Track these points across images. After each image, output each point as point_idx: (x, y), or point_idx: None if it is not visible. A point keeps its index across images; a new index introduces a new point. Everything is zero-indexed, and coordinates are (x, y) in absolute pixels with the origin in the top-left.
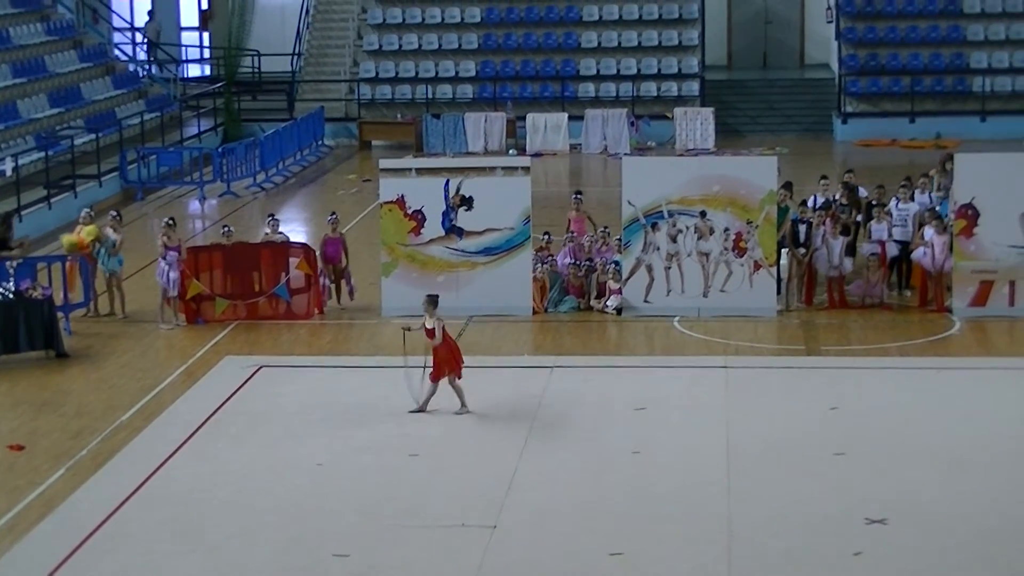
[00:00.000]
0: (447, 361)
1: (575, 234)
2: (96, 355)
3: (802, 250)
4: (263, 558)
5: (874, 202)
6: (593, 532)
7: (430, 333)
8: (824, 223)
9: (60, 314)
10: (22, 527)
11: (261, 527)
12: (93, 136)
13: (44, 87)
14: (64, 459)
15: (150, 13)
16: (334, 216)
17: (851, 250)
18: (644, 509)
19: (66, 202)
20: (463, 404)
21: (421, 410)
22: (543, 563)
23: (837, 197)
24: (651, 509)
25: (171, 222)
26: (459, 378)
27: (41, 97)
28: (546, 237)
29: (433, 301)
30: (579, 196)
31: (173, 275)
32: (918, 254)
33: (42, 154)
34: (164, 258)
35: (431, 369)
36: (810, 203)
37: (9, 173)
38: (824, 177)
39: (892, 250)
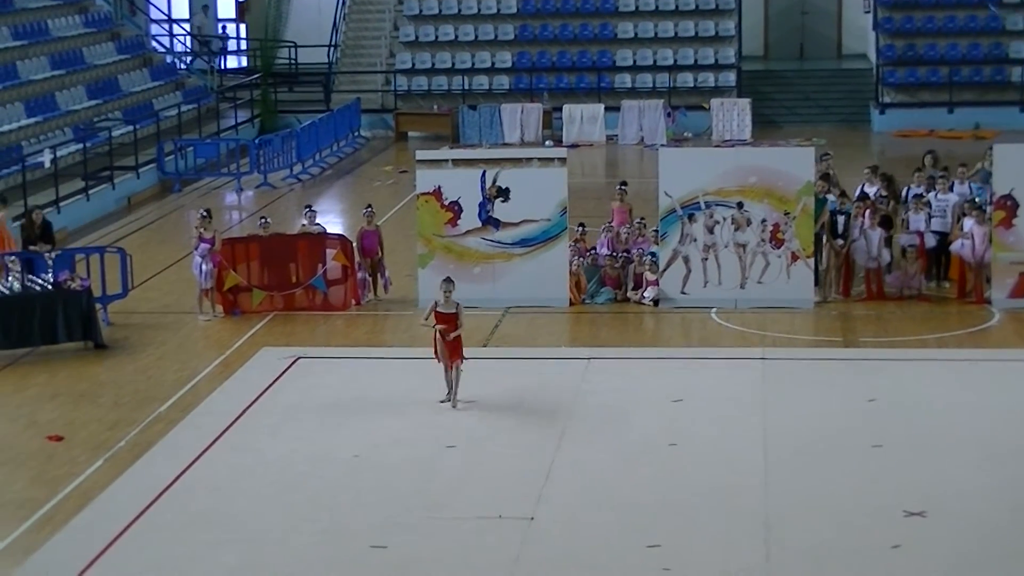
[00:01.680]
0: (457, 348)
1: (612, 224)
2: (134, 346)
3: (840, 241)
4: (300, 550)
5: (913, 187)
6: (630, 524)
7: (447, 318)
8: (863, 214)
9: (98, 305)
10: (60, 518)
11: (298, 519)
12: (131, 128)
13: (82, 79)
14: (102, 450)
15: (204, 8)
16: (370, 209)
17: (889, 241)
18: (681, 501)
19: (104, 194)
20: (453, 395)
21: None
22: (580, 555)
23: (868, 187)
24: (688, 501)
25: (206, 214)
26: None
27: (79, 89)
28: (580, 229)
29: (451, 283)
30: (624, 187)
31: (206, 267)
32: (956, 246)
33: (80, 146)
34: (196, 250)
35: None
36: (856, 193)
37: (47, 165)
38: (869, 167)
39: (930, 241)
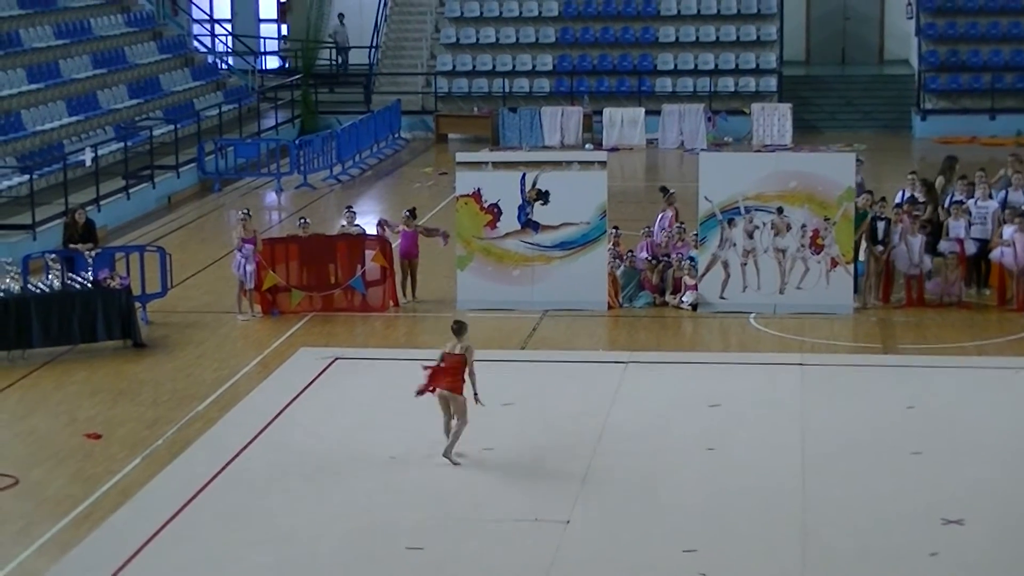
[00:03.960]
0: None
1: (649, 228)
2: (173, 345)
3: (880, 247)
4: (336, 549)
5: (955, 193)
6: (666, 529)
7: (455, 361)
8: (903, 220)
9: (137, 304)
10: (98, 515)
11: (334, 518)
12: (171, 127)
13: (124, 78)
14: (140, 448)
15: (340, 16)
16: (411, 211)
17: (931, 248)
18: (718, 506)
19: (144, 193)
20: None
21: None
22: (616, 559)
23: (911, 194)
24: (725, 506)
25: (247, 214)
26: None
27: (121, 88)
28: (615, 232)
29: (462, 328)
30: (670, 192)
31: (249, 267)
32: (996, 253)
33: (121, 145)
34: (240, 250)
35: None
36: (897, 198)
37: (89, 163)
38: (913, 172)
39: (971, 248)
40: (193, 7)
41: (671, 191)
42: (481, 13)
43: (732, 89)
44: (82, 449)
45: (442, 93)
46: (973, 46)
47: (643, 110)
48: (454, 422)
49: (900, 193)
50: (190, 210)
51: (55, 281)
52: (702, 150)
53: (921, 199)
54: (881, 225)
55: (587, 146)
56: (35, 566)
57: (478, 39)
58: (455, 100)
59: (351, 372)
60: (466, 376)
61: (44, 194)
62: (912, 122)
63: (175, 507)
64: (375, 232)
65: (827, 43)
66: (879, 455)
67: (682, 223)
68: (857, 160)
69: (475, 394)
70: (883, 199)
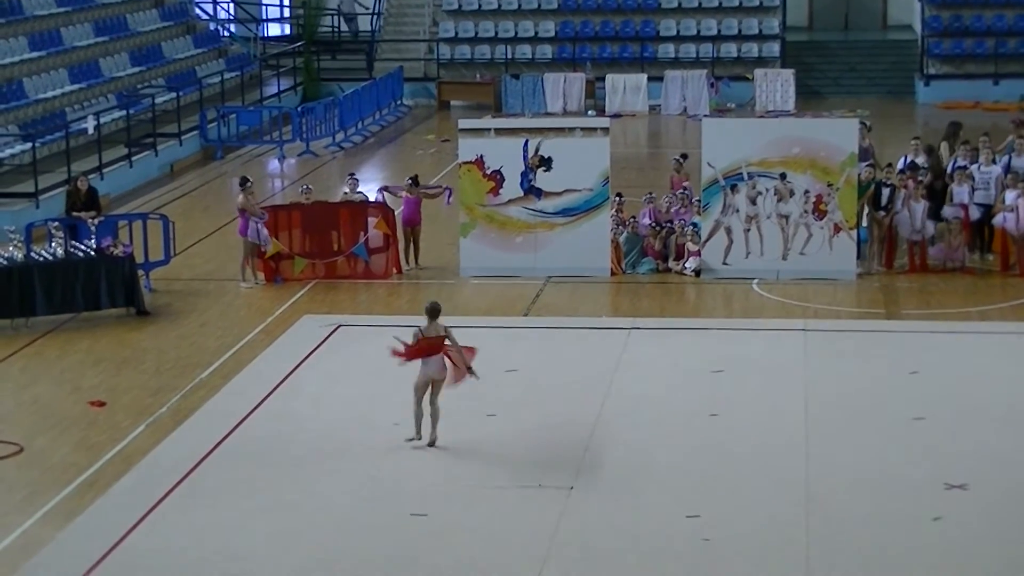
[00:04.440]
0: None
1: (652, 195)
2: (176, 313)
3: (882, 212)
4: (340, 517)
5: (959, 160)
6: (670, 494)
7: (434, 343)
8: (906, 186)
9: (141, 272)
10: (103, 482)
11: (338, 486)
12: (174, 95)
13: (125, 46)
14: (144, 416)
15: None
16: (413, 178)
17: (933, 213)
18: (722, 472)
19: (147, 160)
20: (421, 436)
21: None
22: (620, 525)
23: (912, 159)
24: (729, 472)
25: (247, 182)
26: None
27: (122, 56)
28: (618, 199)
29: (436, 310)
30: (681, 159)
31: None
32: (999, 219)
33: (123, 113)
34: (258, 218)
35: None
36: (900, 164)
37: (91, 131)
38: (916, 138)
39: (974, 213)
40: None
41: (681, 158)
42: None
43: (735, 55)
44: (86, 417)
45: (444, 60)
46: (976, 11)
47: (646, 76)
48: (427, 405)
49: (903, 159)
50: (192, 178)
51: (58, 249)
52: (705, 116)
53: (924, 165)
54: (885, 191)
55: (590, 112)
56: (40, 534)
57: (480, 5)
58: (457, 67)
59: (354, 339)
60: (450, 357)
61: (46, 162)
62: (915, 87)
63: (179, 475)
64: (377, 198)
65: (830, 8)
66: (882, 420)
67: (685, 188)
68: (865, 125)
69: (469, 368)
70: (889, 165)
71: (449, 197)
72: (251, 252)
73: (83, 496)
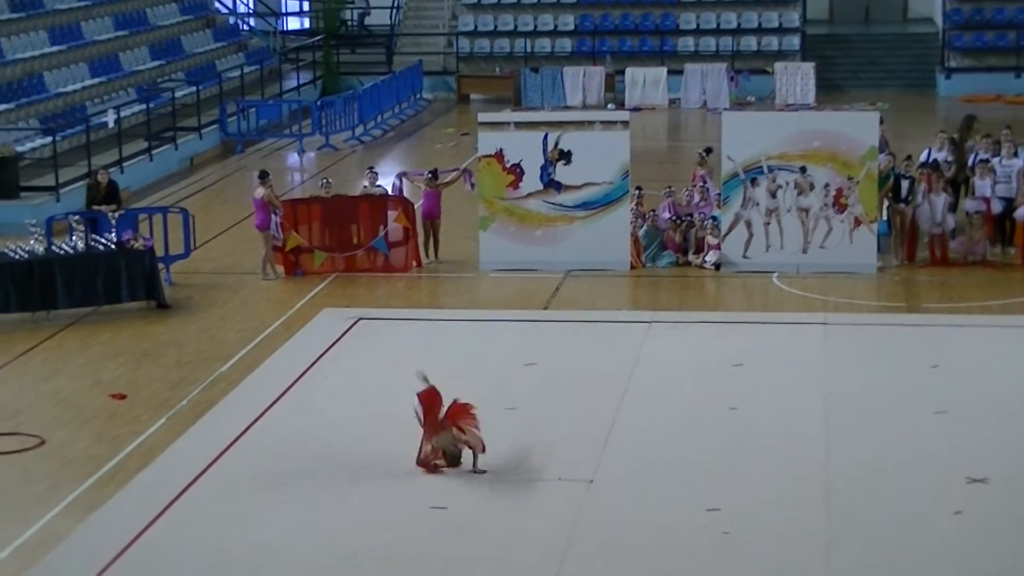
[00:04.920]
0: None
1: (672, 188)
2: (196, 306)
3: (902, 205)
4: (359, 511)
5: (981, 153)
6: (690, 488)
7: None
8: (929, 179)
9: (161, 265)
10: (123, 476)
11: (358, 479)
12: (193, 89)
13: (145, 40)
14: (164, 409)
15: None
16: (432, 172)
17: (954, 207)
18: (741, 466)
19: (167, 154)
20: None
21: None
22: (639, 518)
23: (938, 152)
24: (748, 466)
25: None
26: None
27: (143, 50)
28: (638, 192)
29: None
30: (705, 153)
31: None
32: (1021, 212)
33: (143, 106)
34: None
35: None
36: (923, 156)
37: (111, 125)
38: (942, 131)
39: (996, 207)
40: None
41: (706, 152)
42: None
43: (755, 48)
44: (106, 410)
45: (464, 54)
46: (998, 4)
47: (665, 70)
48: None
49: (926, 152)
50: (212, 171)
51: (79, 242)
52: (725, 110)
53: (948, 159)
54: (905, 184)
55: (609, 106)
56: (61, 526)
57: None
58: (477, 60)
59: (374, 333)
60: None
61: (67, 156)
62: (936, 81)
63: (199, 468)
64: (394, 184)
65: (850, 1)
66: (903, 414)
67: (706, 182)
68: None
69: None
70: (908, 157)
71: (470, 180)
72: (271, 245)
73: (103, 489)
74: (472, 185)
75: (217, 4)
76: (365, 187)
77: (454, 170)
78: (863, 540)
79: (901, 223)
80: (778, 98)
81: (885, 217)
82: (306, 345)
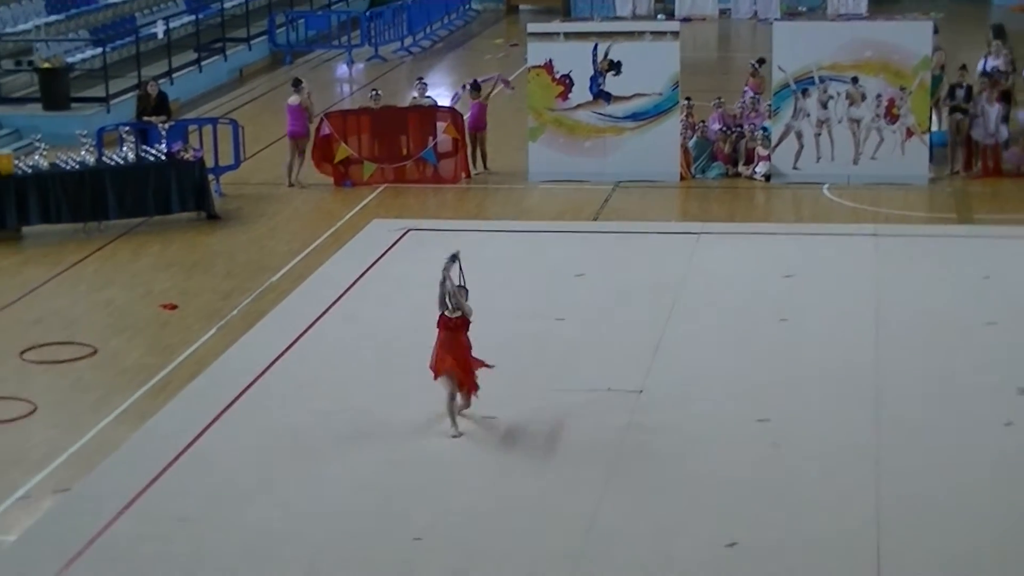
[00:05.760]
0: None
1: (721, 99)
2: (246, 217)
3: (959, 115)
4: (410, 418)
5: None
6: (739, 398)
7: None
8: (985, 89)
9: (211, 176)
10: (175, 384)
11: (408, 388)
12: (243, 0)
13: None
14: (215, 319)
15: None
16: (473, 83)
17: (1006, 117)
18: (791, 376)
19: (216, 65)
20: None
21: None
22: (688, 428)
23: (995, 62)
24: (798, 376)
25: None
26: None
27: None
28: (688, 103)
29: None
30: (757, 64)
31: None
32: None
33: (193, 17)
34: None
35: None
36: (980, 66)
37: (161, 36)
38: (996, 40)
39: None
40: None
41: (759, 63)
42: None
43: None
44: (158, 320)
45: None
46: None
47: None
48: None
49: (982, 61)
50: (261, 82)
51: (129, 153)
52: (775, 20)
53: (1004, 68)
54: (960, 92)
55: (659, 16)
56: (114, 434)
57: None
58: None
59: (423, 243)
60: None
61: (117, 67)
62: None
63: (250, 377)
64: (456, 93)
65: None
66: (954, 325)
67: (757, 94)
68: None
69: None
70: (963, 67)
71: (507, 84)
72: (300, 153)
73: (156, 397)
74: (507, 83)
75: None
76: (414, 98)
77: (490, 77)
78: (912, 451)
79: (958, 131)
80: (830, 8)
81: (937, 127)
82: (355, 256)
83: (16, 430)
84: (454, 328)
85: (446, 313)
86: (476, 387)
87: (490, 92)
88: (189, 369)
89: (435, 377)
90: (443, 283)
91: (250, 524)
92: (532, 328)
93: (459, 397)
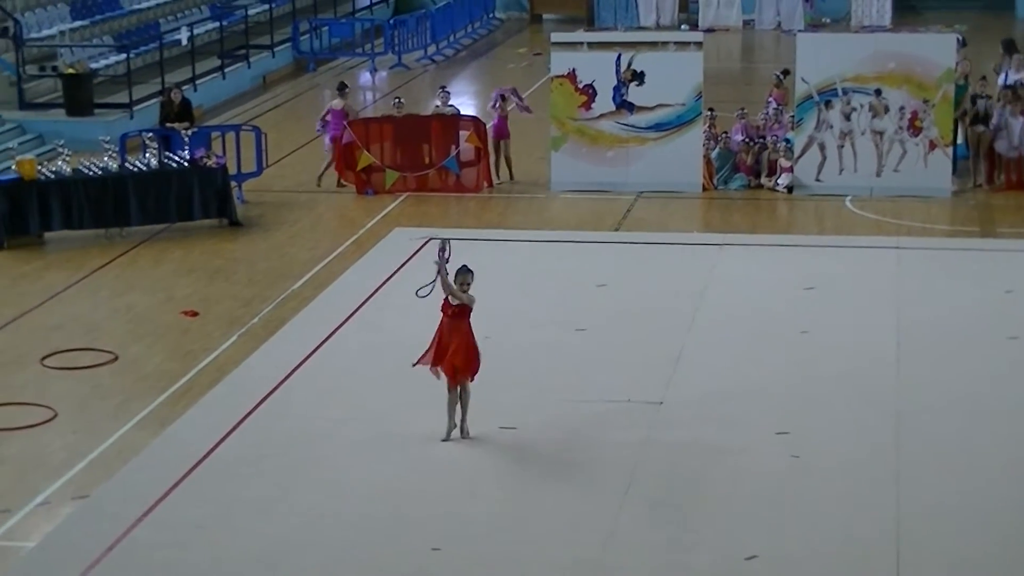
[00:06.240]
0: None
1: (744, 110)
2: (268, 224)
3: (981, 127)
4: (428, 428)
5: None
6: (759, 411)
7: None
8: (1007, 103)
9: (233, 183)
10: (196, 391)
11: (427, 398)
12: (266, 6)
13: None
14: (236, 326)
15: None
16: (501, 95)
17: None
18: (811, 389)
19: (240, 72)
20: (457, 424)
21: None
22: (707, 440)
23: (1016, 73)
24: (818, 389)
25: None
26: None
27: None
28: (711, 114)
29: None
30: (781, 75)
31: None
32: None
33: (217, 24)
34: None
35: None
36: (1000, 79)
37: (185, 42)
38: (1018, 53)
39: None
40: None
41: (783, 74)
42: None
43: None
44: (179, 326)
45: None
46: None
47: None
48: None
49: (1004, 73)
50: (285, 90)
51: (152, 160)
52: (799, 31)
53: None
54: (982, 103)
55: (683, 26)
56: (134, 440)
57: None
58: None
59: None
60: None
61: (141, 73)
62: (1015, 2)
63: (271, 385)
64: (498, 96)
65: None
66: (975, 339)
67: (780, 104)
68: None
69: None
70: (983, 78)
71: (528, 110)
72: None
73: (176, 404)
74: (527, 109)
75: None
76: (437, 106)
77: (506, 93)
78: (932, 464)
79: (979, 145)
80: (853, 19)
81: (961, 140)
82: (377, 264)
83: (36, 436)
84: (453, 316)
85: (449, 299)
86: (472, 372)
87: (508, 107)
88: (209, 376)
89: (428, 368)
90: (440, 271)
91: (268, 532)
92: (552, 338)
93: (459, 400)
